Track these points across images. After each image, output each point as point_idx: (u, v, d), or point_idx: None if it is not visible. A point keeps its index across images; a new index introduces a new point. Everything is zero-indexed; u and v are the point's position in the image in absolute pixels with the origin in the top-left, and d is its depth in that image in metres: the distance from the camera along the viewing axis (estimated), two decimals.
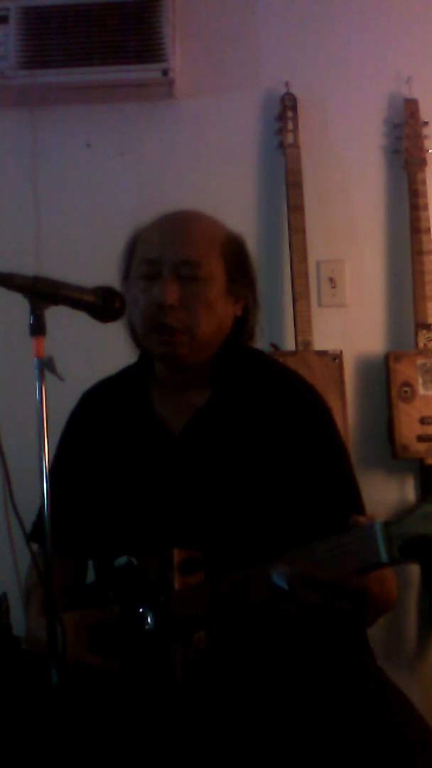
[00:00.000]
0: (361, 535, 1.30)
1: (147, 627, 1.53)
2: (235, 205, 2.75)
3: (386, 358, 2.64)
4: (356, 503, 1.67)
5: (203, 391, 1.74)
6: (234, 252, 1.74)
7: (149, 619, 1.53)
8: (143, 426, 1.76)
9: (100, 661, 1.56)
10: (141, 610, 1.54)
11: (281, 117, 2.76)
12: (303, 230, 2.68)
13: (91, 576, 1.90)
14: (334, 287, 2.76)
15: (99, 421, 1.82)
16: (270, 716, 1.55)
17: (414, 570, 2.66)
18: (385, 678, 1.65)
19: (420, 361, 2.61)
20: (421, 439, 2.57)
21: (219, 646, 1.51)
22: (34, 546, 1.49)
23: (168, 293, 1.66)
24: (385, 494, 2.67)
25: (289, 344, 2.65)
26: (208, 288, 1.69)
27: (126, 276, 1.77)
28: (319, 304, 2.75)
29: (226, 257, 1.72)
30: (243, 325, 1.77)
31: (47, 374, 1.42)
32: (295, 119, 2.74)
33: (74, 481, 1.80)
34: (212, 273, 1.70)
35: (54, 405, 1.46)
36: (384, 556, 1.26)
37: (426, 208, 2.68)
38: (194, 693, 1.51)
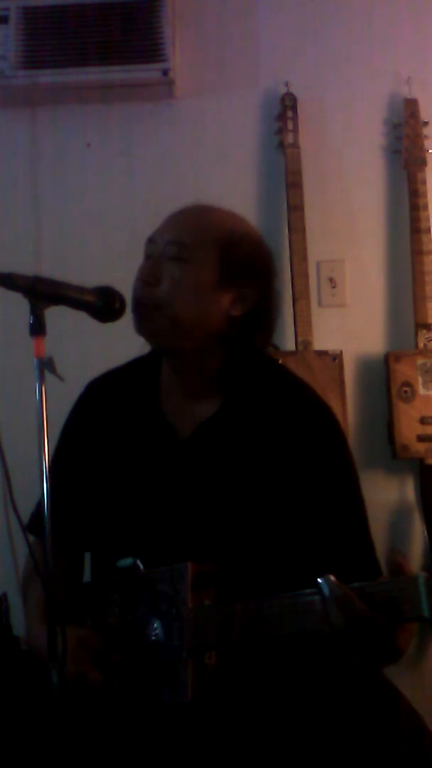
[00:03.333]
0: (403, 585, 1.30)
1: (155, 636, 1.52)
2: (234, 205, 2.67)
3: (386, 358, 2.64)
4: (361, 517, 1.67)
5: (213, 399, 1.72)
6: (235, 246, 1.70)
7: (159, 630, 1.52)
8: (151, 427, 1.74)
9: (102, 678, 1.55)
10: (151, 619, 1.53)
11: (281, 117, 2.75)
12: (303, 230, 2.68)
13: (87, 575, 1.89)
14: (334, 287, 2.76)
15: (104, 415, 1.80)
16: (273, 722, 1.53)
17: (415, 570, 2.64)
18: (385, 680, 1.64)
19: (420, 361, 2.61)
20: (421, 439, 2.57)
21: (229, 665, 1.50)
22: (31, 538, 1.49)
23: (146, 269, 1.68)
24: (385, 494, 2.67)
25: (289, 344, 2.65)
26: (190, 271, 1.66)
27: None
28: (319, 304, 2.75)
29: (223, 248, 1.69)
30: (250, 329, 1.73)
31: (47, 374, 1.42)
32: (295, 119, 2.74)
33: (75, 475, 1.79)
34: (199, 258, 1.67)
35: (54, 405, 1.46)
36: (426, 611, 1.26)
37: (426, 208, 2.67)
38: (202, 710, 1.50)
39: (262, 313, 1.74)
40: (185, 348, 1.70)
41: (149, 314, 1.67)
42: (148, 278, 1.67)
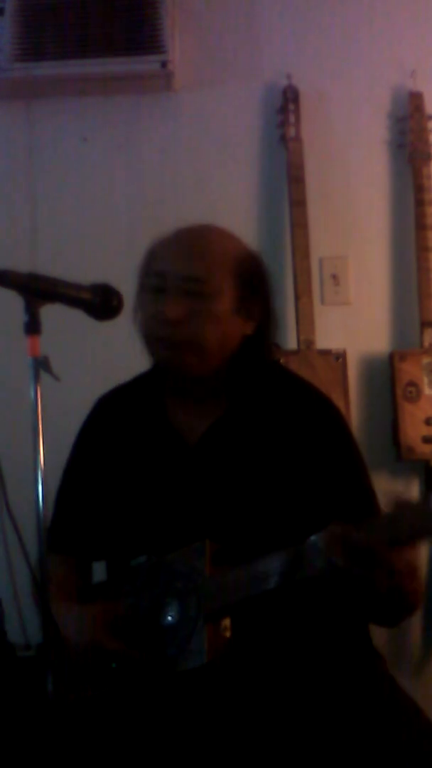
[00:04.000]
0: (419, 507, 1.36)
1: (169, 618, 1.55)
2: (235, 200, 2.75)
3: (391, 357, 2.63)
4: (374, 513, 1.69)
5: (219, 403, 1.75)
6: (247, 270, 1.73)
7: (174, 610, 1.55)
8: (159, 435, 1.77)
9: (120, 647, 1.58)
10: (167, 600, 1.56)
11: (283, 110, 2.73)
12: (305, 226, 2.66)
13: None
14: (337, 285, 2.74)
15: (115, 428, 1.83)
16: (283, 717, 1.56)
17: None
18: (398, 686, 1.67)
19: (425, 360, 2.60)
20: (426, 440, 2.55)
21: (242, 638, 1.53)
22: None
23: (172, 308, 1.67)
24: (389, 498, 2.64)
25: (291, 343, 2.63)
26: (214, 304, 1.69)
27: (141, 287, 1.78)
28: (322, 302, 2.73)
29: (238, 275, 1.72)
30: (257, 344, 1.77)
31: (42, 374, 1.42)
32: (297, 112, 2.72)
33: (88, 484, 1.82)
34: (220, 289, 1.70)
35: (49, 405, 1.45)
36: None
37: (431, 203, 2.65)
38: (214, 679, 1.53)
39: (267, 326, 1.78)
40: (206, 373, 1.72)
41: (179, 353, 1.69)
42: (174, 318, 1.66)
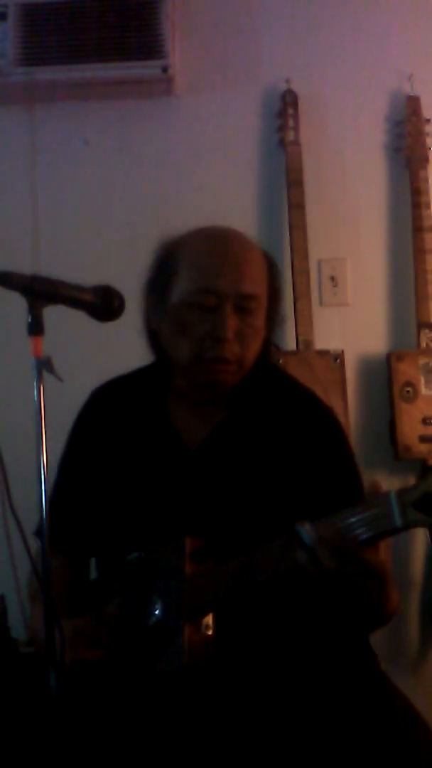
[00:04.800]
0: (376, 503, 1.35)
1: (154, 617, 1.53)
2: (235, 203, 2.75)
3: (388, 357, 2.64)
4: None
5: (221, 407, 1.74)
6: (273, 276, 1.74)
7: (157, 607, 1.54)
8: (159, 435, 1.75)
9: (99, 654, 1.56)
10: (151, 598, 1.55)
11: (282, 114, 2.74)
12: (304, 228, 2.67)
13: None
14: (335, 286, 2.75)
15: (111, 423, 1.80)
16: (271, 715, 1.54)
17: (416, 570, 2.64)
18: (389, 682, 1.65)
19: (422, 360, 2.61)
20: (423, 439, 2.56)
21: (226, 635, 1.51)
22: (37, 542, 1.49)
23: (230, 327, 1.65)
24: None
25: (290, 344, 2.64)
26: (259, 318, 1.70)
27: (160, 287, 1.73)
28: (321, 303, 2.74)
29: (269, 283, 1.73)
30: (264, 347, 1.76)
31: (46, 374, 1.41)
32: (296, 116, 2.73)
33: (83, 481, 1.80)
34: (262, 303, 1.71)
35: (52, 405, 1.45)
36: (398, 521, 1.31)
37: (428, 206, 2.67)
38: (198, 677, 1.51)
39: (273, 324, 1.78)
40: (236, 384, 1.72)
41: (229, 368, 1.68)
42: (232, 337, 1.66)
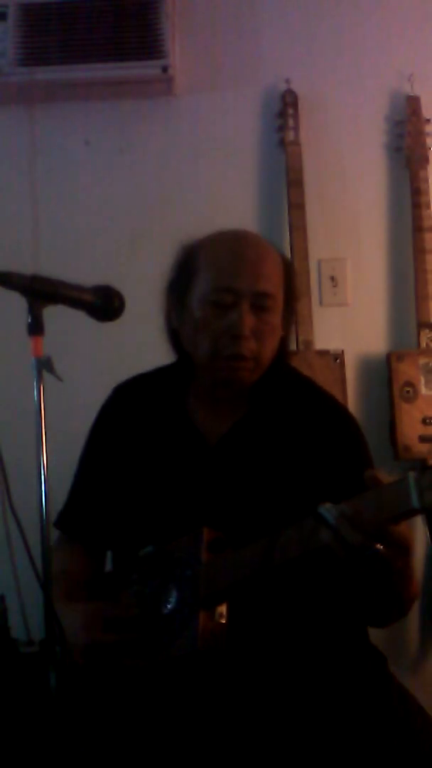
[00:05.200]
0: (394, 485, 1.35)
1: (170, 604, 1.56)
2: (235, 202, 2.75)
3: (388, 357, 2.64)
4: None
5: (240, 403, 1.76)
6: (289, 276, 1.77)
7: (173, 595, 1.56)
8: (179, 431, 1.77)
9: (115, 638, 1.59)
10: (167, 587, 1.57)
11: (282, 114, 2.75)
12: (304, 228, 2.67)
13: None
14: (335, 286, 2.75)
15: (132, 418, 1.84)
16: (280, 708, 1.56)
17: (416, 570, 2.64)
18: (399, 684, 1.68)
19: (422, 360, 2.61)
20: (423, 439, 2.56)
21: (239, 626, 1.52)
22: (56, 533, 1.52)
23: (246, 324, 1.68)
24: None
25: (291, 344, 2.59)
26: (275, 316, 1.73)
27: (180, 288, 1.76)
28: (321, 303, 2.75)
29: (285, 283, 1.76)
30: (281, 346, 1.79)
31: (46, 374, 1.42)
32: (296, 116, 2.73)
33: (103, 474, 1.83)
34: (279, 302, 1.73)
35: (52, 405, 1.45)
36: (416, 503, 1.30)
37: (428, 206, 2.67)
38: (209, 668, 1.53)
39: (289, 323, 1.81)
40: (254, 382, 1.75)
41: (247, 365, 1.71)
42: (249, 334, 1.68)
